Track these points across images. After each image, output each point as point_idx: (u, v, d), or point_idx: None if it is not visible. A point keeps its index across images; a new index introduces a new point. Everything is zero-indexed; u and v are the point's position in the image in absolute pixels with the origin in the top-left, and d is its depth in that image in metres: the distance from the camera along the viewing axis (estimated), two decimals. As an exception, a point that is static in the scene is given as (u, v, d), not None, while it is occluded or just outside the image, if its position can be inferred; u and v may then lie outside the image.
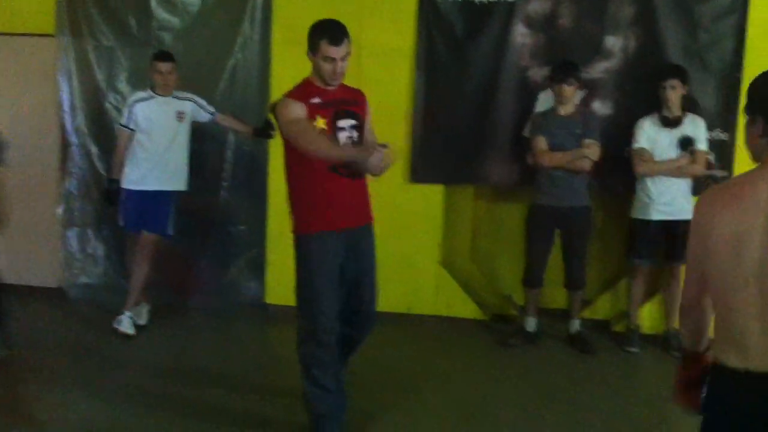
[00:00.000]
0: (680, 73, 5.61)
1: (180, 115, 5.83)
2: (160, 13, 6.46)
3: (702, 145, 5.63)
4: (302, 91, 4.00)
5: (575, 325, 5.95)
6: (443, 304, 6.41)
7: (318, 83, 4.00)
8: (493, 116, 6.12)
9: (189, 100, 5.88)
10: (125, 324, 5.76)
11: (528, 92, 6.08)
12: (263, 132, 5.90)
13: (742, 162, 5.78)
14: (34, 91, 6.72)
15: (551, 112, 5.76)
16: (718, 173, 5.86)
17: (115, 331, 5.73)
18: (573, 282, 5.89)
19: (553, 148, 5.64)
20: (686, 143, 5.61)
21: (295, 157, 3.95)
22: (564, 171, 5.63)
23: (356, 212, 4.08)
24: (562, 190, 5.66)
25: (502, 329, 6.18)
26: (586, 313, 6.21)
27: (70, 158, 6.65)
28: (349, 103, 4.07)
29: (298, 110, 3.89)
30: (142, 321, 5.99)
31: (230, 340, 5.89)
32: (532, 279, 5.90)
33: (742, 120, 5.84)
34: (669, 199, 5.65)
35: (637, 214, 5.78)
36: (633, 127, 5.70)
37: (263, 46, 6.38)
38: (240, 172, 6.56)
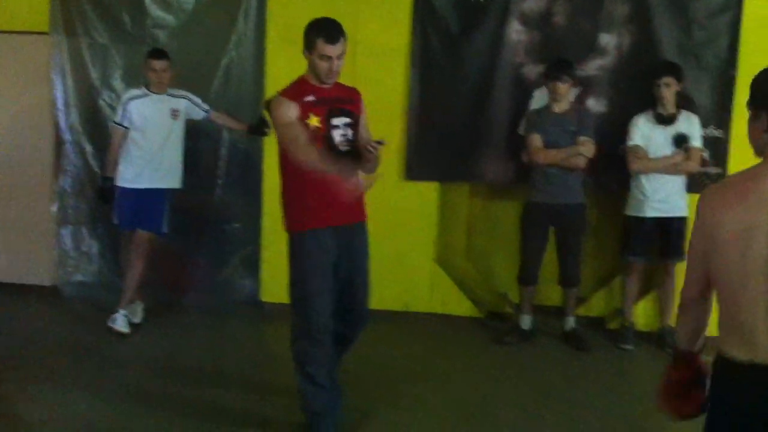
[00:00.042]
0: (675, 71, 5.62)
1: (174, 113, 5.82)
2: (155, 11, 6.45)
3: (696, 142, 5.63)
4: (297, 90, 4.00)
5: (570, 322, 5.96)
6: (438, 302, 6.41)
7: (313, 81, 4.00)
8: (488, 114, 6.13)
9: (183, 98, 5.87)
10: (120, 322, 5.75)
11: (523, 90, 6.09)
12: (258, 129, 5.89)
13: (737, 159, 5.84)
14: (28, 89, 6.71)
15: (546, 110, 5.76)
16: (713, 170, 5.87)
17: (110, 330, 5.71)
18: (568, 279, 5.89)
19: (548, 145, 5.64)
20: (681, 140, 5.62)
21: (288, 155, 3.96)
22: (559, 168, 5.63)
23: (349, 210, 4.08)
24: (557, 187, 5.67)
25: (497, 327, 6.19)
26: (581, 311, 6.22)
27: (64, 156, 6.63)
28: (344, 102, 4.07)
29: (290, 113, 3.90)
30: (137, 319, 5.98)
31: (225, 338, 5.88)
32: (527, 276, 5.90)
33: (737, 117, 5.89)
34: (663, 197, 5.66)
35: (631, 211, 5.79)
36: (627, 125, 5.71)
37: (258, 44, 6.37)
38: (234, 169, 6.55)
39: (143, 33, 6.44)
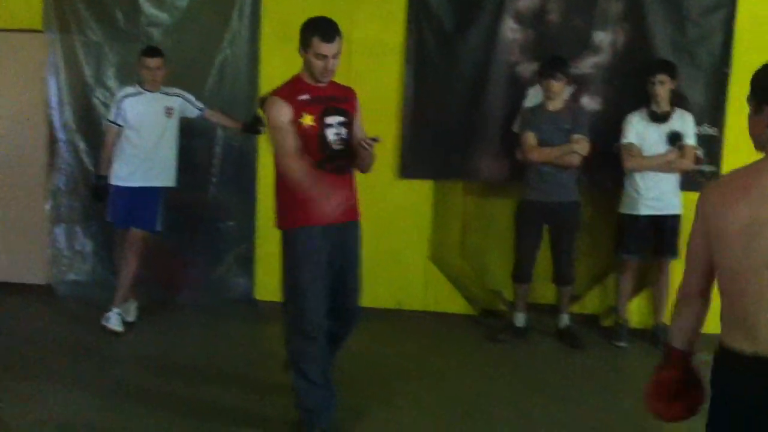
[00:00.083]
0: (669, 68, 5.63)
1: (168, 111, 5.81)
2: (149, 9, 6.44)
3: (690, 140, 5.65)
4: (291, 88, 4.00)
5: (564, 320, 5.97)
6: (432, 300, 6.42)
7: (308, 80, 4.00)
8: (482, 111, 6.13)
9: (177, 96, 5.86)
10: (113, 321, 5.74)
11: (517, 87, 6.09)
12: (252, 127, 5.89)
13: (731, 156, 5.86)
14: (21, 88, 6.70)
15: (540, 108, 5.77)
16: (707, 168, 5.89)
17: (104, 328, 5.71)
18: (562, 277, 5.90)
19: (542, 143, 5.65)
20: (675, 138, 5.63)
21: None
22: (553, 166, 5.64)
23: (342, 208, 4.08)
24: (551, 185, 5.67)
25: (491, 324, 6.19)
26: (575, 308, 6.23)
27: (57, 154, 6.62)
28: (338, 100, 4.08)
29: (282, 116, 3.91)
30: (131, 318, 5.97)
31: (220, 336, 5.87)
32: (521, 274, 5.91)
33: (731, 114, 5.91)
34: (657, 194, 5.67)
35: (625, 209, 5.79)
36: (622, 123, 5.72)
37: (252, 42, 6.37)
38: (229, 167, 6.55)
39: (137, 31, 6.43)
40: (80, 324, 5.95)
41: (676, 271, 5.65)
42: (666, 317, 5.77)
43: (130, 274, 5.82)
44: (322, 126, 3.97)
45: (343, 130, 4.04)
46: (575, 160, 5.61)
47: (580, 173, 5.76)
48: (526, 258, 5.87)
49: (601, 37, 5.99)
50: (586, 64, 6.01)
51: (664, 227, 5.71)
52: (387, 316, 6.26)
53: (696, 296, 2.42)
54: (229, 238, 6.59)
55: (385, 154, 5.86)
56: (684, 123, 5.66)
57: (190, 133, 6.13)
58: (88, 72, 6.53)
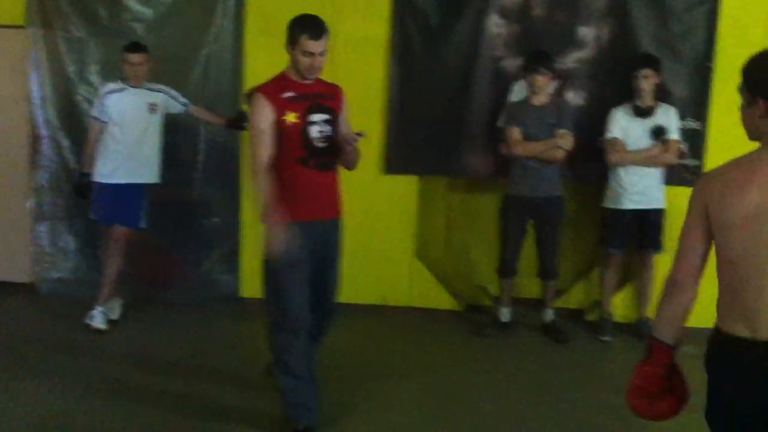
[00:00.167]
0: (653, 63, 5.65)
1: (152, 107, 5.78)
2: (132, 4, 6.38)
3: (674, 135, 5.67)
4: (276, 85, 4.02)
5: (549, 314, 5.99)
6: (418, 296, 6.42)
7: (294, 77, 4.02)
8: (467, 107, 6.13)
9: (161, 92, 5.83)
10: (97, 319, 5.71)
11: (502, 82, 6.09)
12: (236, 123, 5.87)
13: (714, 150, 5.89)
14: (3, 83, 6.64)
15: (525, 102, 5.77)
16: (691, 162, 5.91)
17: (88, 327, 5.68)
18: (546, 272, 5.92)
19: (527, 138, 5.66)
20: (658, 133, 5.65)
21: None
22: (537, 161, 5.65)
23: (324, 206, 4.12)
24: (536, 180, 5.68)
25: (476, 319, 6.21)
26: (560, 303, 6.25)
27: (40, 151, 6.55)
28: (324, 98, 4.09)
29: (263, 121, 3.94)
30: (115, 316, 5.93)
31: (205, 333, 5.86)
32: (505, 269, 5.92)
33: (714, 109, 5.92)
34: (641, 189, 5.69)
35: (609, 203, 5.81)
36: (606, 117, 5.73)
37: (236, 37, 6.33)
38: (213, 164, 6.51)
39: (120, 26, 6.38)
40: (64, 322, 5.91)
41: (660, 265, 5.68)
42: (650, 311, 5.80)
43: (114, 271, 5.79)
44: (305, 123, 3.99)
45: (328, 128, 4.05)
46: (559, 154, 5.62)
47: (564, 168, 5.77)
48: (510, 253, 5.88)
49: (586, 32, 6.00)
50: (571, 59, 6.03)
51: (648, 221, 5.74)
52: (372, 312, 6.26)
53: (687, 283, 2.42)
54: (213, 235, 6.56)
55: (371, 150, 5.86)
56: (668, 117, 5.68)
57: (174, 129, 6.10)
58: (70, 68, 6.47)
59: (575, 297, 6.45)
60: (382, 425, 4.36)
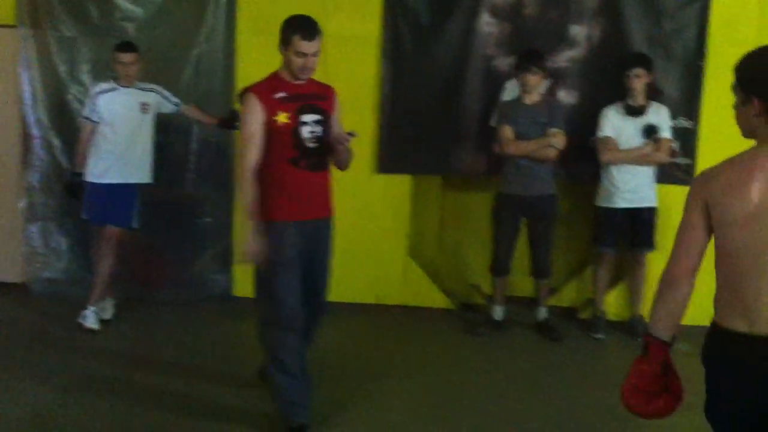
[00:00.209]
0: (645, 62, 5.66)
1: (144, 107, 5.76)
2: (123, 3, 6.36)
3: (666, 133, 5.68)
4: (268, 86, 4.05)
5: (542, 312, 6.00)
6: (411, 294, 6.42)
7: (286, 77, 4.04)
8: (459, 105, 6.14)
9: (153, 91, 5.82)
10: (90, 319, 5.70)
11: (494, 81, 6.10)
12: (228, 123, 5.86)
13: (706, 149, 5.90)
14: (-6, 84, 6.63)
15: (517, 101, 5.78)
16: (682, 161, 5.93)
17: (80, 327, 5.66)
18: (539, 270, 5.92)
19: (519, 136, 5.66)
20: (650, 131, 5.67)
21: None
22: (530, 160, 5.65)
23: (315, 205, 4.14)
24: (528, 179, 5.69)
25: (470, 318, 6.21)
26: (553, 301, 6.26)
27: (31, 151, 6.53)
28: (316, 98, 4.11)
29: (254, 118, 3.97)
30: (107, 315, 5.92)
31: (197, 332, 5.85)
32: (498, 268, 5.93)
33: (706, 107, 5.93)
34: (633, 187, 5.70)
35: (602, 202, 5.82)
36: (598, 116, 5.74)
37: (228, 36, 6.32)
38: (205, 164, 6.49)
39: (111, 26, 6.36)
40: (56, 322, 5.89)
41: (653, 263, 5.69)
42: (643, 309, 5.81)
43: (106, 271, 5.77)
44: (297, 124, 4.01)
45: (319, 129, 4.07)
46: (552, 153, 5.62)
47: (557, 166, 5.78)
48: (503, 251, 5.88)
49: (577, 31, 6.01)
50: (563, 58, 6.03)
51: (640, 220, 5.75)
52: (366, 311, 6.26)
53: (685, 279, 2.42)
54: (206, 234, 6.55)
55: (363, 149, 5.85)
56: (659, 116, 5.69)
57: (166, 129, 6.09)
58: (61, 68, 6.45)
59: (568, 295, 6.46)
60: (375, 423, 4.36)
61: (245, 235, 4.02)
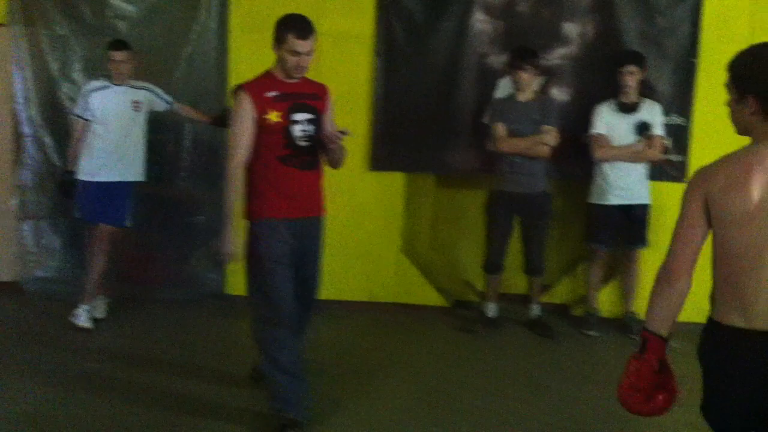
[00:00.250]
0: (638, 59, 5.67)
1: (136, 105, 5.75)
2: (116, 1, 6.35)
3: (658, 130, 5.69)
4: (261, 84, 4.05)
5: (535, 309, 6.01)
6: (404, 292, 6.42)
7: (280, 75, 4.05)
8: (453, 103, 6.14)
9: (145, 89, 5.81)
10: (83, 318, 5.69)
11: (487, 79, 6.10)
12: (221, 121, 5.84)
13: (698, 145, 5.90)
14: (-15, 82, 6.60)
15: (510, 99, 5.78)
16: (675, 158, 5.94)
17: (73, 325, 5.66)
18: (533, 268, 5.93)
19: (512, 134, 5.67)
20: (643, 128, 5.67)
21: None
22: (524, 157, 5.65)
23: (306, 204, 4.14)
24: (522, 176, 5.69)
25: (463, 315, 6.22)
26: (546, 298, 6.26)
27: (23, 150, 6.52)
28: (308, 97, 4.11)
29: (245, 115, 3.98)
30: (100, 314, 5.91)
31: (190, 330, 5.85)
32: (492, 265, 5.93)
33: (698, 104, 5.94)
34: (626, 184, 5.71)
35: (595, 199, 5.83)
36: (591, 113, 5.75)
37: (220, 34, 6.31)
38: (198, 162, 6.48)
39: (103, 24, 6.34)
40: (49, 320, 5.89)
41: (645, 260, 5.71)
42: (635, 306, 5.83)
43: (99, 270, 5.76)
44: (288, 122, 4.02)
45: (311, 127, 4.08)
46: (545, 150, 5.63)
47: (550, 164, 5.78)
48: (496, 249, 5.89)
49: (571, 29, 6.02)
50: (556, 55, 6.04)
51: (633, 217, 5.76)
52: (359, 309, 6.26)
53: (683, 274, 2.40)
54: (198, 233, 6.53)
55: (356, 146, 5.85)
56: (652, 113, 5.70)
57: (158, 127, 6.08)
58: (54, 66, 6.44)
59: (561, 292, 6.46)
60: (369, 421, 4.36)
61: (223, 233, 4.05)
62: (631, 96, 5.68)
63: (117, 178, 5.72)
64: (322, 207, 4.23)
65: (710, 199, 2.32)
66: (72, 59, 6.43)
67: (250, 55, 5.58)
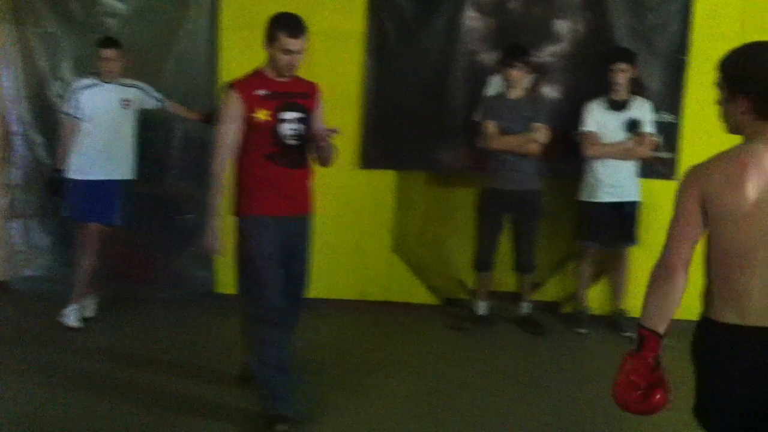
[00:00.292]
0: (629, 57, 5.68)
1: (125, 103, 5.73)
2: (105, -1, 6.34)
3: (648, 128, 5.70)
4: (250, 82, 4.05)
5: (525, 307, 6.01)
6: (395, 290, 6.41)
7: (270, 74, 4.05)
8: (443, 101, 6.13)
9: (135, 87, 5.79)
10: (72, 317, 5.67)
11: (478, 76, 6.09)
12: (211, 118, 5.82)
13: (689, 143, 5.91)
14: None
15: (501, 96, 5.79)
16: (665, 155, 5.95)
17: (62, 325, 5.63)
18: (523, 265, 5.94)
19: (503, 131, 5.67)
20: (633, 126, 5.68)
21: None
22: (514, 155, 5.66)
23: (294, 202, 4.15)
24: (512, 174, 5.69)
25: (454, 313, 6.22)
26: (536, 295, 6.26)
27: (12, 148, 6.49)
28: (298, 96, 4.12)
29: (232, 113, 3.99)
30: (90, 313, 5.89)
31: (180, 329, 5.83)
32: (482, 263, 5.94)
33: (688, 102, 5.95)
34: (616, 182, 5.72)
35: (585, 196, 5.84)
36: (581, 111, 5.75)
37: (211, 32, 6.29)
38: (188, 160, 6.46)
39: (93, 21, 6.31)
40: (38, 319, 5.86)
41: (635, 257, 5.72)
42: (625, 303, 5.84)
43: (88, 269, 5.74)
44: (277, 121, 4.02)
45: (300, 126, 4.09)
46: (535, 148, 5.63)
47: (541, 161, 5.78)
48: (487, 247, 5.89)
49: (561, 26, 6.02)
50: (547, 53, 6.04)
51: (623, 214, 5.76)
52: (350, 307, 6.26)
53: (680, 270, 2.38)
54: (188, 231, 6.51)
55: (346, 144, 5.84)
56: (642, 111, 5.71)
57: (148, 125, 6.05)
58: (43, 64, 6.41)
59: (551, 290, 6.47)
60: (361, 420, 4.35)
61: (207, 228, 4.06)
62: (622, 93, 5.69)
63: (106, 177, 5.69)
64: (311, 205, 4.23)
65: (706, 197, 2.32)
66: (61, 57, 6.40)
67: (240, 53, 5.56)
